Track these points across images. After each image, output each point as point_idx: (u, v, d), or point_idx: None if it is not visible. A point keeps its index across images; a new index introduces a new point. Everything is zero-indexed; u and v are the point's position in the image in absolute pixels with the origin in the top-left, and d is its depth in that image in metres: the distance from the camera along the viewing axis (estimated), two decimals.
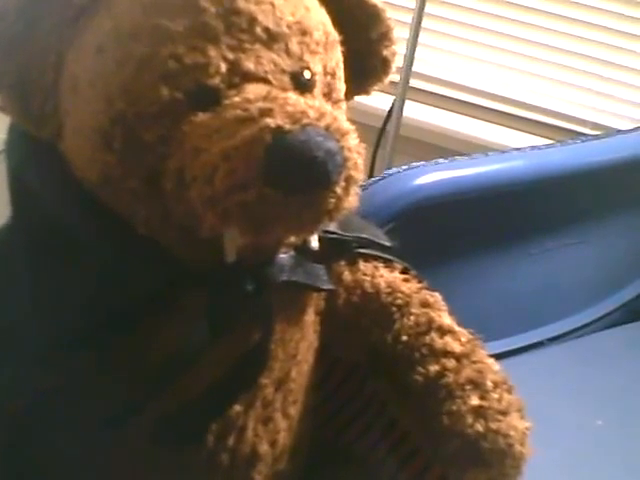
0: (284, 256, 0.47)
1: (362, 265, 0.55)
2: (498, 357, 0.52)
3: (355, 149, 0.40)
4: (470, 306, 0.65)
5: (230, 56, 0.41)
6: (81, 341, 0.44)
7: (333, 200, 0.39)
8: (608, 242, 0.98)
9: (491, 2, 1.32)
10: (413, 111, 1.33)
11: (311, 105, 0.40)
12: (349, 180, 0.40)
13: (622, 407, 0.86)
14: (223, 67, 0.41)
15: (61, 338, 0.44)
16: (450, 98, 1.39)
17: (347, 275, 0.55)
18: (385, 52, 0.51)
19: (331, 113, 0.40)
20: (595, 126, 1.33)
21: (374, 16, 0.50)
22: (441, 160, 0.81)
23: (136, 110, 0.40)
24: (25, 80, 0.42)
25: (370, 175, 1.21)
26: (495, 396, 0.49)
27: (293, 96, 0.41)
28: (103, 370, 0.45)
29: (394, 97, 1.20)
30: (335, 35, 0.47)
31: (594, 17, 1.28)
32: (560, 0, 1.29)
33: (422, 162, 0.79)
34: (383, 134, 1.26)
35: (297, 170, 0.38)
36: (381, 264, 0.56)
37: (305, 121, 0.38)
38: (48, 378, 0.45)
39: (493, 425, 0.47)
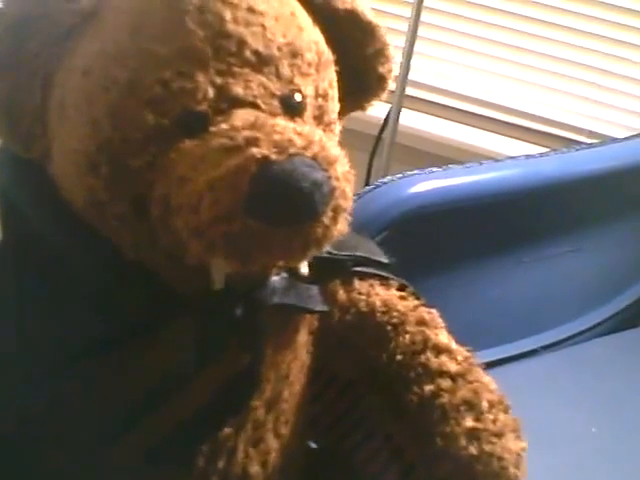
0: (276, 278, 0.46)
1: (357, 284, 0.54)
2: (492, 365, 0.52)
3: (343, 177, 0.39)
4: (464, 314, 0.65)
5: (218, 81, 0.40)
6: (68, 364, 0.43)
7: (320, 230, 0.38)
8: (603, 250, 0.98)
9: (487, 11, 1.33)
10: (409, 119, 1.33)
11: (299, 132, 0.39)
12: (337, 209, 0.39)
13: (617, 415, 0.86)
14: (211, 92, 0.40)
15: (48, 360, 0.44)
16: (446, 106, 1.40)
17: (342, 294, 0.53)
18: (381, 69, 0.49)
19: (319, 141, 0.39)
20: (591, 134, 1.33)
21: (369, 33, 0.48)
22: (435, 169, 0.80)
23: (122, 135, 0.40)
24: (13, 101, 0.41)
25: (366, 183, 1.21)
26: (490, 417, 0.48)
27: (281, 122, 0.40)
28: (90, 393, 0.44)
29: (390, 105, 1.20)
30: (329, 54, 0.46)
31: (590, 26, 1.29)
32: (555, 9, 1.29)
33: (416, 170, 0.79)
34: (379, 142, 1.26)
35: (281, 202, 0.37)
36: (377, 282, 0.55)
37: (292, 150, 0.37)
38: (36, 400, 0.44)
39: (487, 447, 0.47)
